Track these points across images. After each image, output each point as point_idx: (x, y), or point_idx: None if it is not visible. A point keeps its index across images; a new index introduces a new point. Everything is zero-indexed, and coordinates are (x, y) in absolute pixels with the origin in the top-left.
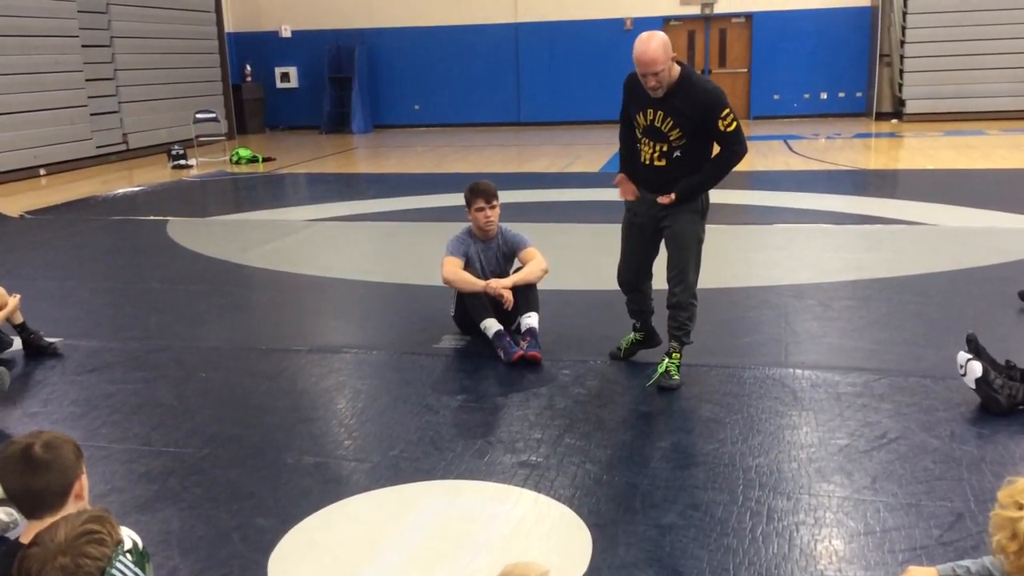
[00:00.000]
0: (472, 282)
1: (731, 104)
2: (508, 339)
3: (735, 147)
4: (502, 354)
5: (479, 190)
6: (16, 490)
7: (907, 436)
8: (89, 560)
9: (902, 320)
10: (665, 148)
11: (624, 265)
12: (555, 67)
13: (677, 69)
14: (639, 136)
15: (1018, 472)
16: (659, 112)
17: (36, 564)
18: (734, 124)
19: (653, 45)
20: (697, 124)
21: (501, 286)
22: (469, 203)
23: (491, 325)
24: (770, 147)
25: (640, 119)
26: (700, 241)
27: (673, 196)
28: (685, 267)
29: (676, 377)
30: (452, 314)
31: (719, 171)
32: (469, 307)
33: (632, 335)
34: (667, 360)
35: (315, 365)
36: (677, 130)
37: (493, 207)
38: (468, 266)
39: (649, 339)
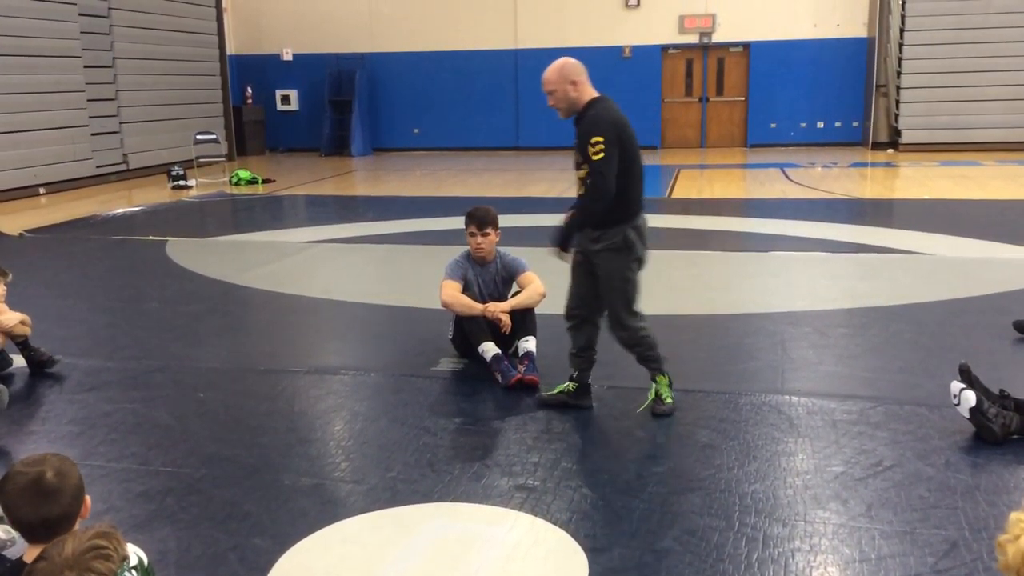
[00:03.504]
0: (470, 306)
1: (611, 135)
2: (506, 363)
3: (595, 178)
4: (500, 378)
5: (472, 216)
6: (31, 521)
7: (902, 464)
8: (95, 575)
9: (898, 348)
10: (579, 178)
11: (569, 295)
12: None
13: (587, 97)
14: None
15: (1013, 501)
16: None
17: None
18: (600, 155)
19: (552, 66)
20: (583, 151)
21: (499, 310)
22: (466, 226)
23: (489, 349)
24: (767, 175)
25: None
26: (625, 279)
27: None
28: (614, 309)
29: (669, 401)
30: (450, 337)
31: (584, 206)
32: (467, 331)
33: (566, 384)
34: (653, 385)
35: (313, 386)
36: (578, 156)
37: (486, 235)
38: (466, 289)
39: (580, 395)
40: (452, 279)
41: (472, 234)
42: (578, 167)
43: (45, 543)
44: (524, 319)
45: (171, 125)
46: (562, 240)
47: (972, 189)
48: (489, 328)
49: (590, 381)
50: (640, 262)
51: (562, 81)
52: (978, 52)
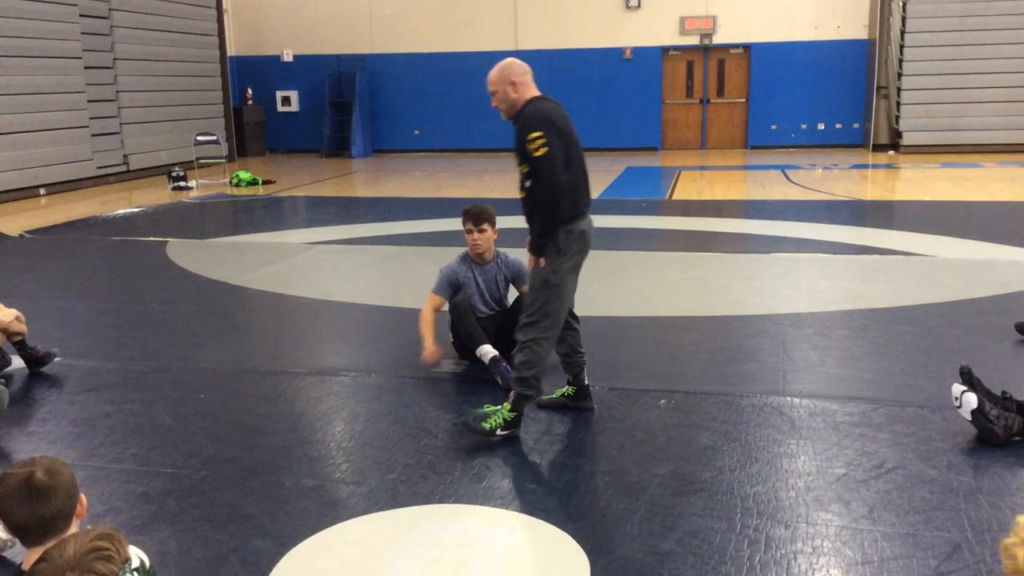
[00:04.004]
0: (425, 336)
1: (549, 130)
2: (504, 364)
3: (542, 175)
4: (499, 380)
5: (469, 212)
6: (25, 521)
7: (904, 466)
8: None
9: (899, 350)
10: (520, 177)
11: None
12: (554, 95)
13: (528, 97)
14: None
15: (1015, 503)
16: None
17: None
18: (541, 150)
19: (495, 67)
20: (522, 150)
21: (437, 357)
22: (463, 224)
23: (487, 351)
24: (767, 177)
25: None
26: (547, 283)
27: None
28: (530, 311)
29: (487, 426)
30: (451, 340)
31: (537, 207)
32: (464, 334)
33: (565, 388)
34: (503, 406)
35: (313, 388)
36: (518, 158)
37: (482, 231)
38: (465, 290)
39: (580, 398)
40: (438, 294)
41: (469, 231)
42: (520, 167)
43: (42, 545)
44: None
45: (171, 126)
46: (538, 242)
47: (973, 191)
48: (489, 329)
49: (588, 383)
50: (572, 268)
51: (502, 82)
52: (979, 54)
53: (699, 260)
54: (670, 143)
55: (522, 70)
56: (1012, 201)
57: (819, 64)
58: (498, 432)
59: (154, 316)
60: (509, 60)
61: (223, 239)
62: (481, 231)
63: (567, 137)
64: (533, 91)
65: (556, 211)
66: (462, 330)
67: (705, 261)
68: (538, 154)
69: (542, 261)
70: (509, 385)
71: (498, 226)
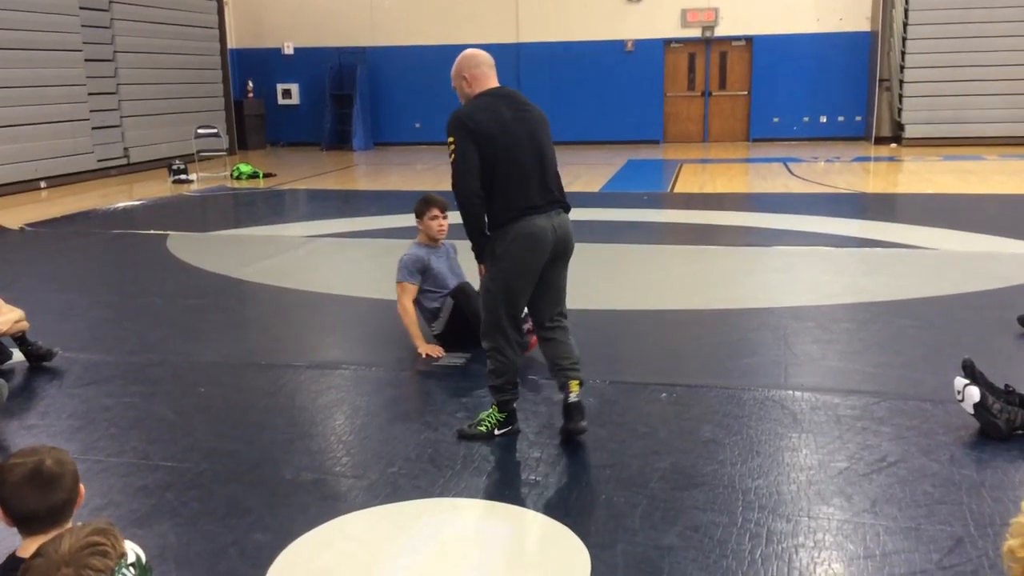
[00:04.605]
0: (414, 332)
1: (462, 133)
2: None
3: (453, 181)
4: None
5: (435, 201)
6: (35, 509)
7: (907, 460)
8: (92, 572)
9: (902, 343)
10: None
11: None
12: (555, 87)
13: (478, 91)
14: None
15: (1018, 496)
16: None
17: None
18: (452, 156)
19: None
20: None
21: (437, 353)
22: (422, 213)
23: None
24: (769, 169)
25: None
26: (489, 292)
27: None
28: (483, 319)
29: (483, 428)
30: (437, 332)
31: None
32: (476, 322)
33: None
34: (489, 410)
35: (314, 381)
36: None
37: (446, 216)
38: (429, 274)
39: (565, 416)
40: (409, 282)
41: (435, 217)
42: None
43: (46, 534)
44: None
45: (172, 119)
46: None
47: (975, 184)
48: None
49: (576, 400)
50: (520, 273)
51: (457, 76)
52: (981, 46)
53: (701, 253)
54: (672, 136)
55: (475, 62)
56: (1015, 194)
57: (821, 56)
58: (496, 432)
59: (154, 309)
60: (465, 52)
61: (224, 232)
62: (445, 216)
63: (490, 139)
64: (486, 84)
65: (470, 218)
66: (470, 315)
67: (707, 254)
68: (451, 159)
69: (482, 269)
70: (531, 347)
71: None
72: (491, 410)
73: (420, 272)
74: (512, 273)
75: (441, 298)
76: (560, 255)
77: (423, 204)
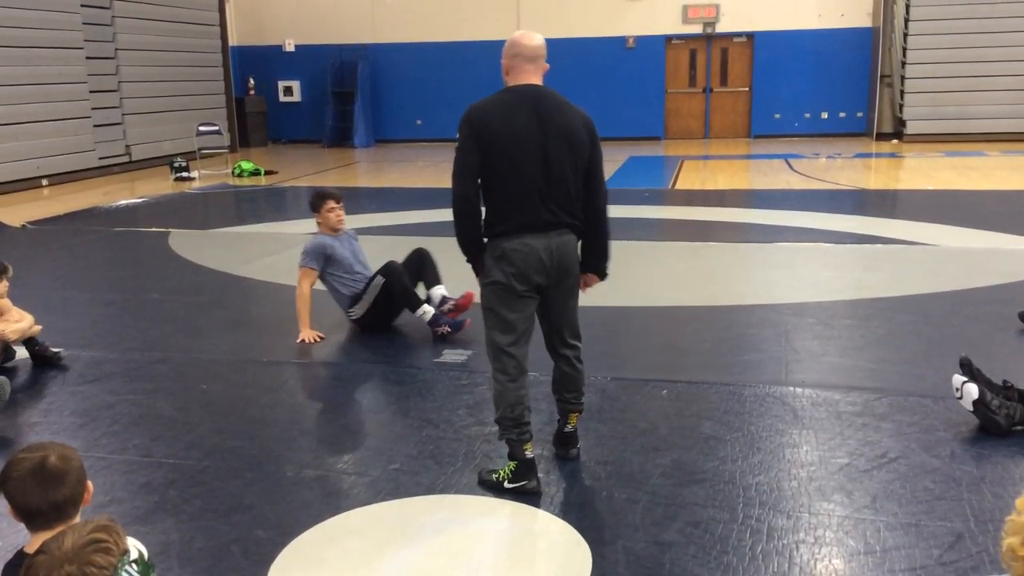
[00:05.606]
0: (304, 318)
1: (467, 131)
2: (438, 315)
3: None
4: (448, 328)
5: (331, 194)
6: (38, 505)
7: (907, 456)
8: (95, 569)
9: (902, 340)
10: None
11: None
12: (557, 84)
13: (510, 84)
14: None
15: (1018, 492)
16: None
17: (42, 572)
18: (456, 153)
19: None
20: None
21: (315, 338)
22: (319, 208)
23: (428, 309)
24: (771, 166)
25: None
26: (485, 309)
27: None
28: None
29: (496, 477)
30: (356, 317)
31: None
32: (400, 295)
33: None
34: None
35: (316, 378)
36: None
37: (342, 208)
38: (334, 260)
39: (557, 443)
40: (313, 267)
41: (332, 208)
42: None
43: (51, 529)
44: (423, 272)
45: (173, 116)
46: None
47: (977, 179)
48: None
49: (571, 430)
50: (505, 293)
51: (503, 61)
52: (983, 42)
53: (702, 249)
54: (673, 132)
55: (513, 51)
56: (1016, 190)
57: (822, 53)
58: (507, 485)
59: (156, 306)
60: (514, 35)
61: (225, 229)
62: (342, 208)
63: (494, 141)
64: (519, 78)
65: (457, 224)
66: (399, 292)
67: (708, 251)
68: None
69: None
70: (462, 326)
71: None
72: (507, 464)
73: (323, 258)
74: (496, 294)
75: (358, 283)
76: (558, 281)
77: (318, 199)
